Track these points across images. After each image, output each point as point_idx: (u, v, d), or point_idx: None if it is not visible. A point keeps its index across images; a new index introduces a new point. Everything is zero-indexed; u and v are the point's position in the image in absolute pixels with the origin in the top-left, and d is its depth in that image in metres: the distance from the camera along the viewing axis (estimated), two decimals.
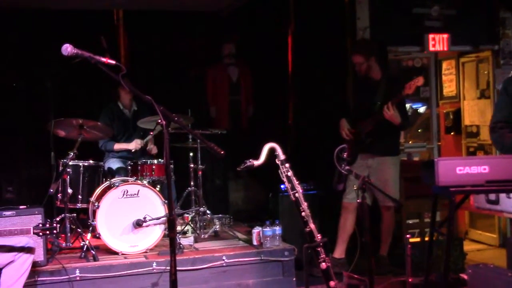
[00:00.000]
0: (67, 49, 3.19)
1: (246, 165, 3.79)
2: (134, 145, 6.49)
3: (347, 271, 5.27)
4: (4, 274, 4.48)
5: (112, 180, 5.88)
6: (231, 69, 7.98)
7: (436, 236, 4.64)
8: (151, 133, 6.18)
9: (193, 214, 6.34)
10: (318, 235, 3.91)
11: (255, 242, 5.80)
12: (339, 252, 5.98)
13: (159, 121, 3.14)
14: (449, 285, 4.01)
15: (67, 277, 5.07)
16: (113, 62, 3.30)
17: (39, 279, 4.99)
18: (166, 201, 5.67)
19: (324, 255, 3.89)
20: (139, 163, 6.07)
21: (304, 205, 3.90)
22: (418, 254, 5.48)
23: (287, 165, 3.93)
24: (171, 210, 3.06)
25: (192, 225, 6.31)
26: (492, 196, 4.63)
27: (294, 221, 6.08)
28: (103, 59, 3.26)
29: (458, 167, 3.72)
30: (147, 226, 5.59)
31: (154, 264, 5.29)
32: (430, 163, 3.82)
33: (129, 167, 6.15)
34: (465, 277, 4.60)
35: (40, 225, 4.49)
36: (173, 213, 3.07)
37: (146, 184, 5.71)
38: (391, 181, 5.88)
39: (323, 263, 3.88)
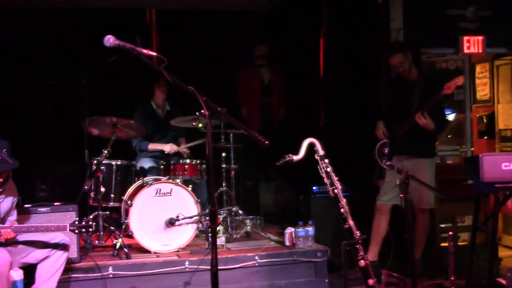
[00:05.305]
0: (110, 40, 3.15)
1: (285, 160, 3.76)
2: (169, 147, 6.50)
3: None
4: (39, 269, 4.52)
5: (145, 178, 5.88)
6: (262, 71, 7.90)
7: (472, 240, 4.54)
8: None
9: (225, 214, 6.30)
10: (357, 232, 3.85)
11: (287, 243, 5.76)
12: (373, 254, 5.89)
13: (203, 111, 3.10)
14: None
15: (100, 274, 5.09)
16: (154, 53, 3.28)
17: (73, 275, 5.02)
18: (198, 200, 5.66)
19: (363, 253, 3.83)
20: (172, 162, 6.04)
21: (343, 201, 3.84)
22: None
23: (326, 160, 3.88)
24: (213, 202, 3.01)
25: (223, 225, 6.27)
26: None
27: (326, 223, 6.07)
28: (145, 51, 3.23)
29: (503, 162, 3.64)
30: (179, 225, 5.58)
31: (187, 263, 5.27)
32: (474, 159, 3.75)
33: (162, 167, 6.12)
34: (503, 281, 4.51)
35: (76, 222, 4.52)
36: (215, 205, 3.02)
37: (179, 183, 5.69)
38: (427, 183, 5.77)
39: (362, 261, 3.81)
